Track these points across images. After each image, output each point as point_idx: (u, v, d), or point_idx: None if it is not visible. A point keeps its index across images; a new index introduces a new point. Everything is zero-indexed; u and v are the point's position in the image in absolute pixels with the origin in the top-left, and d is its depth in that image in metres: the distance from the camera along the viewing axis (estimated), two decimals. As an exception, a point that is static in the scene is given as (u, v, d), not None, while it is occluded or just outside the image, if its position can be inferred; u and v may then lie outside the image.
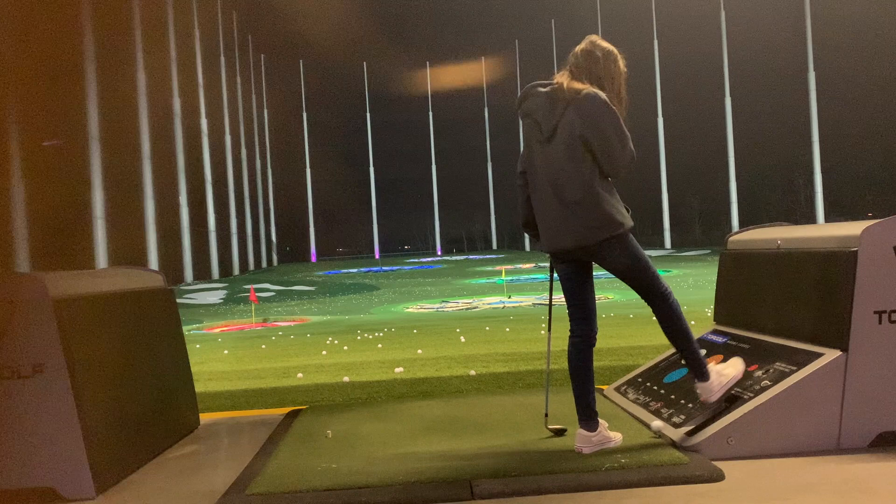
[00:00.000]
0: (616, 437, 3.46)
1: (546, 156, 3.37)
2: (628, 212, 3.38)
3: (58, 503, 3.17)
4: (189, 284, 30.79)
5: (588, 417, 3.40)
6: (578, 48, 3.43)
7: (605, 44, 3.43)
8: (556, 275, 3.62)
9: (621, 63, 3.43)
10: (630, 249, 3.35)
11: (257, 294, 19.16)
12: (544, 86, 3.44)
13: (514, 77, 56.63)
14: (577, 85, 3.33)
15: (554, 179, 3.34)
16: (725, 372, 3.48)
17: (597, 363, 6.24)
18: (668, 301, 3.45)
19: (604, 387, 4.84)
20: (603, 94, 3.30)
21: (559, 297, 3.74)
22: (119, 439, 3.49)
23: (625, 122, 3.33)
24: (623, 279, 3.43)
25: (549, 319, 3.94)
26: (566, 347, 3.57)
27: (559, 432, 3.68)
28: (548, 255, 3.57)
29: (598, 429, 3.40)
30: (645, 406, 4.04)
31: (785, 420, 3.30)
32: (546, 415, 3.78)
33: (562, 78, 3.41)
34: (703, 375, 3.42)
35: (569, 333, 3.56)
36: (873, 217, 3.65)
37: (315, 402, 5.25)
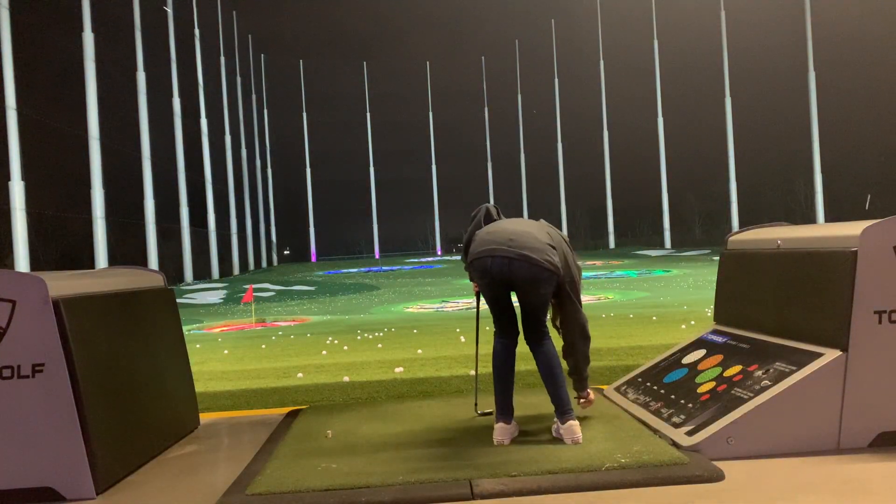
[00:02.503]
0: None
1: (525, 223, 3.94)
2: None
3: (58, 503, 3.17)
4: (189, 284, 30.79)
5: (510, 413, 3.78)
6: None
7: None
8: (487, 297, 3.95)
9: None
10: (552, 291, 3.82)
11: (255, 294, 19.16)
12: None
13: (515, 77, 56.65)
14: None
15: (533, 223, 3.95)
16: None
17: (597, 363, 6.29)
18: (550, 340, 3.83)
19: (604, 387, 4.84)
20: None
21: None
22: (119, 439, 3.49)
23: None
24: (532, 308, 3.77)
25: (477, 327, 4.51)
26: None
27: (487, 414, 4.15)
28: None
29: (511, 422, 3.79)
30: (645, 406, 4.04)
31: (785, 420, 3.30)
32: (476, 403, 4.33)
33: None
34: (572, 414, 3.67)
35: (500, 339, 3.88)
36: (874, 217, 3.65)
37: (315, 402, 5.25)
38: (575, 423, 3.61)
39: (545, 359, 3.75)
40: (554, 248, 3.75)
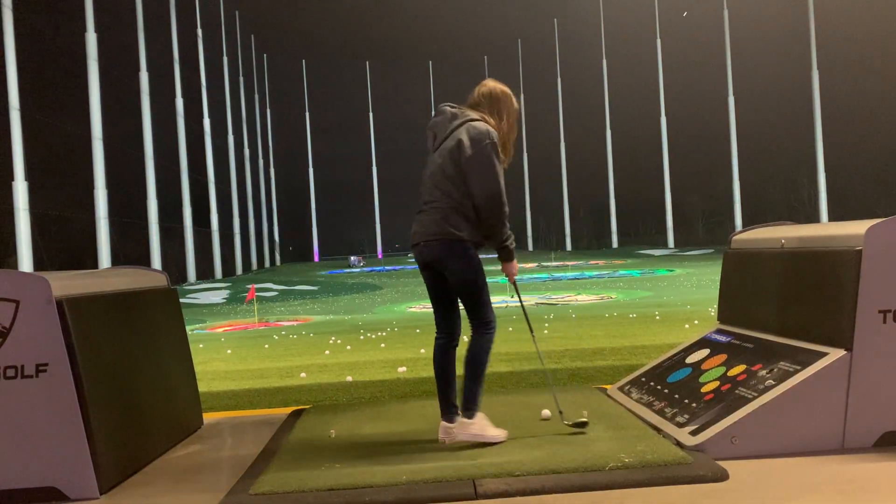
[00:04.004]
0: (497, 435, 3.61)
1: (432, 163, 3.77)
2: (479, 245, 3.74)
3: (61, 503, 3.17)
4: (192, 284, 30.83)
5: (449, 411, 3.69)
6: (479, 90, 3.86)
7: (503, 86, 3.87)
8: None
9: (515, 103, 3.87)
10: (471, 264, 3.66)
11: (257, 294, 19.18)
12: (452, 107, 3.83)
13: (517, 76, 56.62)
14: (475, 114, 3.76)
15: (429, 184, 3.73)
16: (487, 427, 3.62)
17: (601, 362, 6.28)
18: (488, 332, 3.69)
19: (607, 386, 4.83)
20: (494, 135, 3.66)
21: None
22: (123, 439, 3.49)
23: (509, 155, 3.82)
24: (459, 293, 3.71)
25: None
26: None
27: (580, 425, 3.71)
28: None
29: (457, 420, 3.66)
30: (649, 406, 4.03)
31: (789, 419, 3.29)
32: (560, 412, 3.83)
33: (465, 107, 3.83)
34: (471, 413, 3.60)
35: (436, 336, 3.86)
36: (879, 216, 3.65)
37: (318, 402, 5.25)
38: (452, 425, 3.60)
39: (470, 349, 3.68)
40: (445, 187, 3.62)
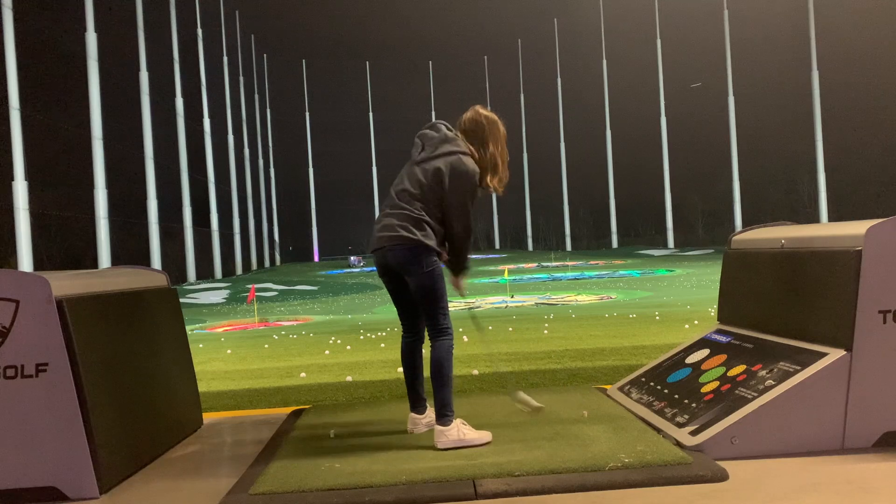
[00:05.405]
0: (481, 437, 3.63)
1: (412, 173, 3.82)
2: (441, 257, 3.81)
3: (61, 503, 3.17)
4: (192, 284, 30.83)
5: (417, 403, 3.99)
6: (466, 116, 3.96)
7: (488, 112, 3.97)
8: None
9: (502, 128, 3.94)
10: (434, 272, 3.72)
11: (257, 294, 19.18)
12: (449, 128, 3.91)
13: (517, 76, 56.61)
14: (466, 145, 3.82)
15: (405, 192, 3.78)
16: (467, 431, 3.63)
17: (600, 363, 6.27)
18: (445, 339, 3.78)
19: (607, 386, 4.83)
20: (477, 175, 3.74)
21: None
22: (122, 439, 3.49)
23: (505, 178, 3.89)
24: (419, 298, 3.77)
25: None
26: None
27: (536, 409, 3.94)
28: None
29: (427, 411, 3.89)
30: (648, 406, 4.03)
31: (789, 420, 3.29)
32: (514, 393, 4.12)
33: (460, 133, 3.91)
34: (446, 420, 3.62)
35: (403, 335, 4.06)
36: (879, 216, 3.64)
37: (318, 402, 5.25)
38: (444, 429, 3.60)
39: (432, 358, 3.76)
40: (418, 199, 3.70)
